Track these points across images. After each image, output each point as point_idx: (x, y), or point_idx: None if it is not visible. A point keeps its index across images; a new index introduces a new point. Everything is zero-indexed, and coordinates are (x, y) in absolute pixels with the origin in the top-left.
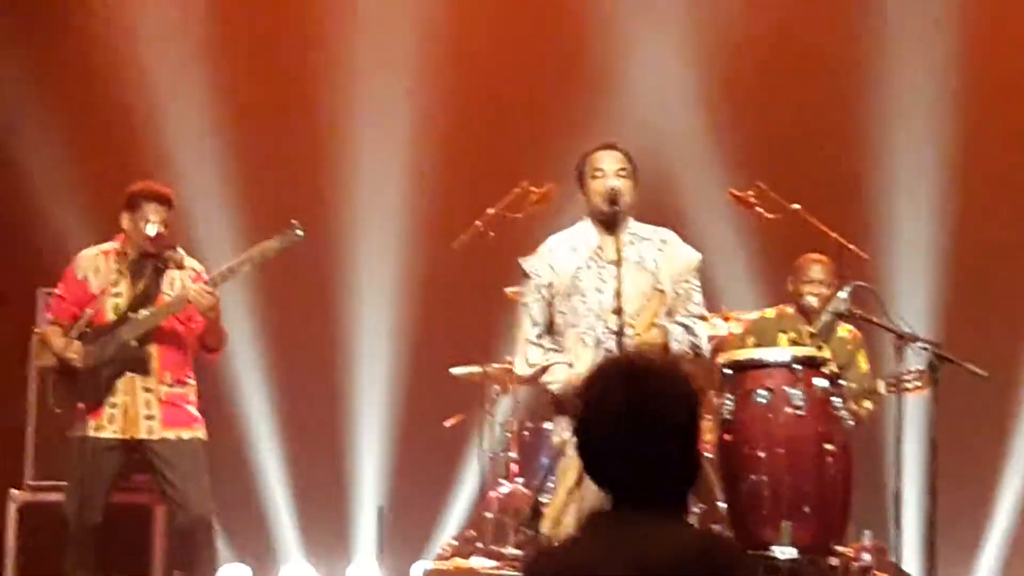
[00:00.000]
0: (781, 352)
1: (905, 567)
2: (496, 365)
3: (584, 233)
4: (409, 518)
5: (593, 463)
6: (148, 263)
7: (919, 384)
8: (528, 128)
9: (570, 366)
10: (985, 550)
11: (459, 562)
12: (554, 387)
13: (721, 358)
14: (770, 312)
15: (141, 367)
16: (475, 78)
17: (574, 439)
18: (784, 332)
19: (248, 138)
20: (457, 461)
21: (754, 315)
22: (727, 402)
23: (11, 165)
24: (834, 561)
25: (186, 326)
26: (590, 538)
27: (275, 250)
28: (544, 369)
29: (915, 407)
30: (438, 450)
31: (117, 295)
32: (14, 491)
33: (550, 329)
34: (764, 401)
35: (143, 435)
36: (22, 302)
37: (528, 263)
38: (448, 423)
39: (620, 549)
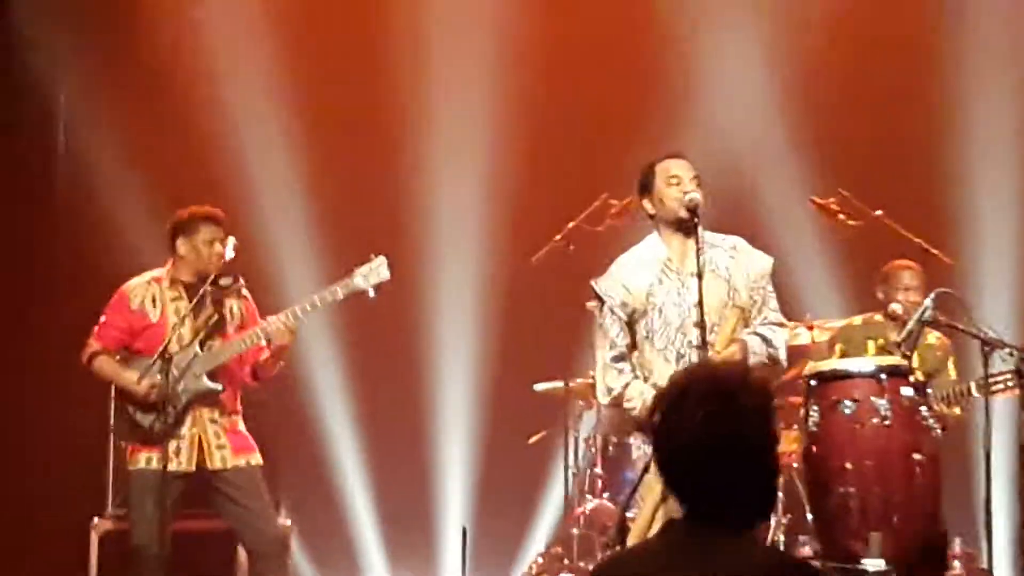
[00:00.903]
0: (866, 362)
1: (997, 574)
2: (579, 380)
3: (652, 247)
4: (495, 535)
5: (668, 474)
6: (206, 291)
7: (1011, 385)
8: (608, 140)
9: (653, 385)
10: None
11: None
12: (633, 410)
13: (805, 370)
14: (857, 319)
15: (211, 400)
16: (555, 90)
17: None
18: (872, 339)
19: (324, 159)
20: (542, 478)
21: (840, 323)
22: (812, 413)
23: (88, 186)
24: (924, 572)
25: (244, 357)
26: (660, 547)
27: (359, 288)
28: (623, 394)
29: (1001, 415)
30: (523, 467)
31: (178, 325)
32: (96, 519)
33: (632, 348)
34: (850, 412)
35: (217, 465)
36: None
37: (600, 284)
38: (532, 440)
39: (688, 561)
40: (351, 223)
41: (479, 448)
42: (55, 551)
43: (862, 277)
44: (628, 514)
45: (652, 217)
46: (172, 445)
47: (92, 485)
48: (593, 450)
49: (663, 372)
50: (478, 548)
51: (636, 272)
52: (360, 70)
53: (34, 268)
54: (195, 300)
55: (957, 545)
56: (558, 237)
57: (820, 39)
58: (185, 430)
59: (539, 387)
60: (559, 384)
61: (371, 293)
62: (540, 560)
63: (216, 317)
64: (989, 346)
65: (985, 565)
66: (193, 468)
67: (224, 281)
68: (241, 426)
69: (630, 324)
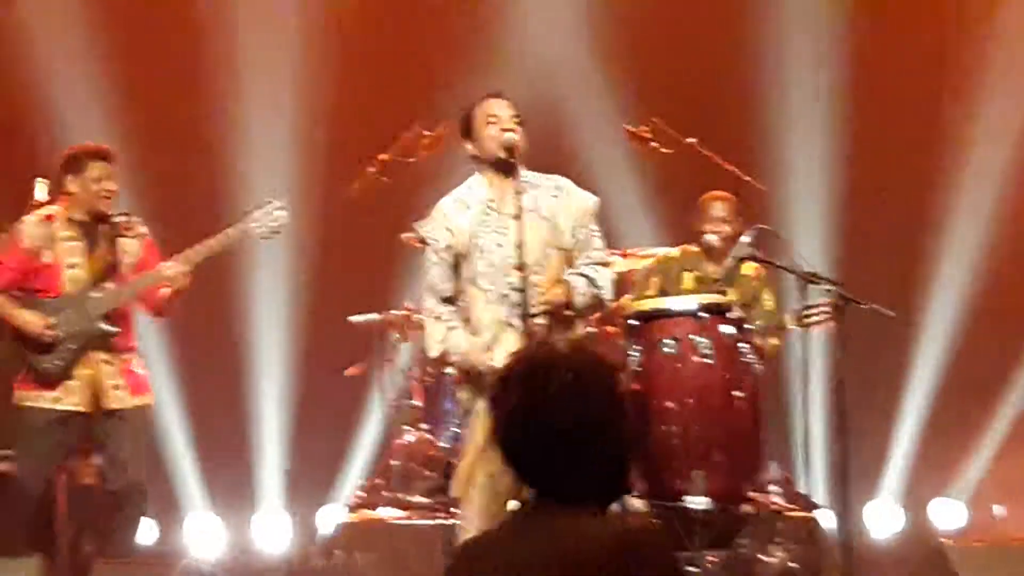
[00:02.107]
0: (686, 301)
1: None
2: (395, 312)
3: (475, 188)
4: (314, 468)
5: (512, 457)
6: (100, 229)
7: (826, 316)
8: (420, 70)
9: (472, 333)
10: (885, 482)
11: (367, 512)
12: (455, 359)
13: (625, 309)
14: (674, 251)
15: (105, 341)
16: (365, 17)
17: (493, 430)
18: (688, 271)
19: (130, 91)
20: (360, 411)
21: (658, 252)
22: (633, 353)
23: None
24: (748, 508)
25: (143, 295)
26: (510, 536)
27: (254, 232)
28: (448, 350)
29: (818, 348)
30: (340, 400)
31: (73, 265)
32: None
33: (458, 291)
34: (672, 351)
35: (114, 405)
36: None
37: (424, 228)
38: (348, 372)
39: (540, 547)
40: (169, 167)
41: (296, 381)
42: None
43: (676, 205)
44: (452, 460)
45: (474, 158)
46: (64, 384)
47: None
48: (411, 381)
49: (487, 312)
50: (299, 482)
51: (459, 214)
52: (170, 4)
53: None
54: (87, 239)
55: (775, 470)
56: (371, 169)
57: None
58: (79, 371)
59: (354, 319)
60: (375, 316)
61: (267, 236)
62: (360, 492)
63: (111, 257)
64: (806, 280)
65: (802, 489)
66: (89, 408)
67: (118, 219)
68: (135, 365)
69: (455, 267)
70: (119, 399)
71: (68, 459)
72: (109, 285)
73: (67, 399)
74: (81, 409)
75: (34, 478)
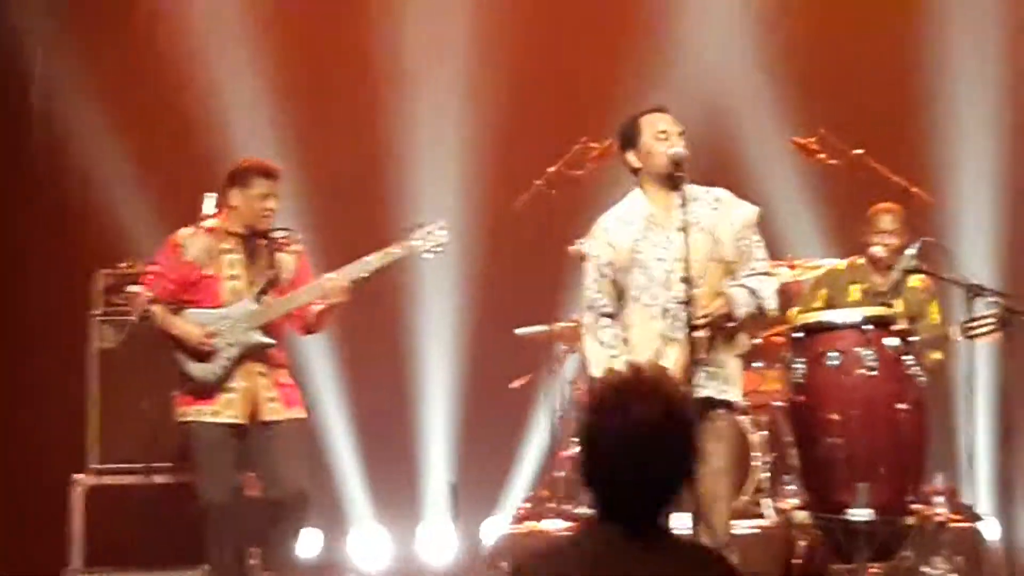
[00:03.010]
0: (850, 313)
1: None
2: (562, 324)
3: (635, 203)
4: (480, 481)
5: (588, 477)
6: (259, 243)
7: (991, 329)
8: (586, 84)
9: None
10: None
11: (532, 524)
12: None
13: (790, 320)
14: (841, 264)
15: (261, 354)
16: (532, 34)
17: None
18: (855, 283)
19: (302, 112)
20: (527, 422)
21: (824, 264)
22: (798, 365)
23: (65, 148)
24: (911, 520)
25: (297, 312)
26: (579, 549)
27: (416, 250)
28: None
29: (984, 360)
30: (507, 412)
31: (234, 277)
32: (78, 475)
33: (618, 304)
34: (836, 363)
35: (270, 417)
36: (79, 285)
37: (586, 245)
38: (515, 384)
39: (611, 565)
40: (333, 179)
41: (463, 395)
42: (35, 509)
43: (843, 216)
44: None
45: (635, 171)
46: (222, 398)
47: (68, 439)
48: (577, 393)
49: (648, 327)
50: (464, 494)
51: (620, 230)
52: (338, 24)
53: (12, 226)
54: (247, 252)
55: (939, 481)
56: (539, 182)
57: None
58: (236, 383)
59: (521, 331)
60: (542, 328)
61: (428, 256)
62: (526, 504)
63: (270, 271)
64: (972, 293)
65: (967, 500)
66: (246, 421)
67: (278, 234)
68: (287, 379)
69: (615, 283)
70: (274, 411)
71: (240, 471)
72: (267, 298)
73: (225, 412)
74: (239, 421)
75: (218, 492)
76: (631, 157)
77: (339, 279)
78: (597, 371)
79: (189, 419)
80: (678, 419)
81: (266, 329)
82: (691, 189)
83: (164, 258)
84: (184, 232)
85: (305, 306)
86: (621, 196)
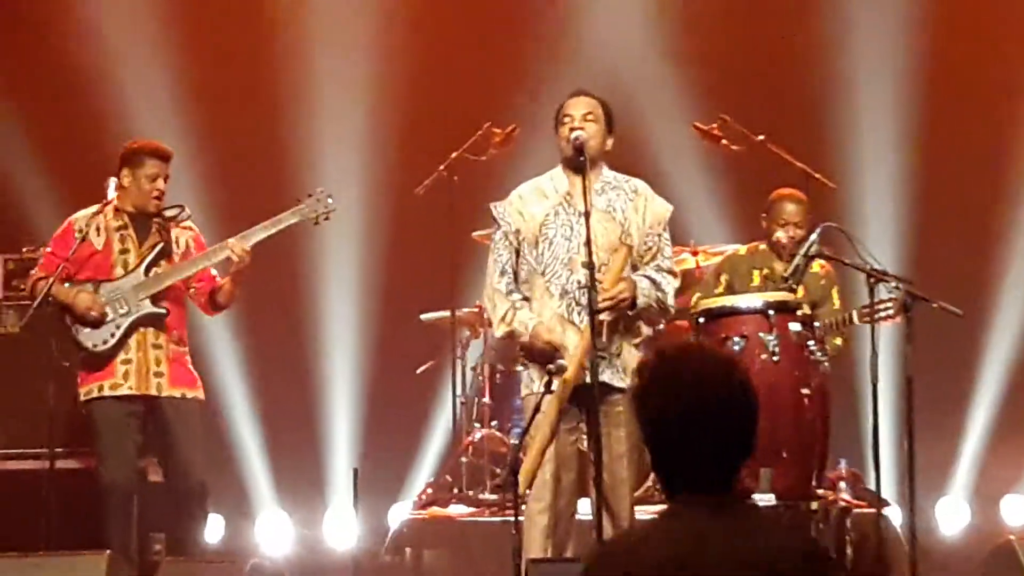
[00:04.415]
0: (753, 298)
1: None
2: (466, 310)
3: (556, 179)
4: (385, 465)
5: (666, 456)
6: (151, 221)
7: (891, 312)
8: (490, 69)
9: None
10: (955, 479)
11: (437, 510)
12: (522, 337)
13: (692, 304)
14: (742, 249)
15: (156, 323)
16: (435, 18)
17: (641, 434)
18: (757, 269)
19: (204, 89)
20: (430, 408)
21: (726, 249)
22: None
23: None
24: (814, 505)
25: (193, 284)
26: (666, 533)
27: (307, 216)
28: (514, 328)
29: (887, 346)
30: (411, 397)
31: (125, 251)
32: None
33: (519, 279)
34: (739, 349)
35: (152, 391)
36: None
37: (498, 208)
38: (420, 370)
39: (716, 542)
40: (233, 156)
41: (367, 380)
42: None
43: (745, 202)
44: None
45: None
46: (120, 370)
47: None
48: (481, 378)
49: (547, 304)
50: (368, 477)
51: (535, 202)
52: (239, 12)
53: None
54: (138, 229)
55: (843, 466)
56: (442, 167)
57: None
58: (131, 355)
59: (425, 317)
60: (445, 314)
61: (317, 223)
62: (429, 490)
63: (162, 244)
64: (874, 278)
65: (872, 487)
66: (140, 392)
67: (170, 212)
68: (188, 358)
69: (519, 253)
70: (157, 386)
71: (142, 455)
72: (158, 269)
73: (124, 385)
74: (136, 393)
75: (119, 474)
76: (557, 140)
77: (237, 241)
78: (501, 327)
79: (91, 396)
80: (739, 378)
81: (158, 299)
82: (612, 176)
83: (57, 239)
84: (78, 214)
85: (207, 276)
86: (523, 181)
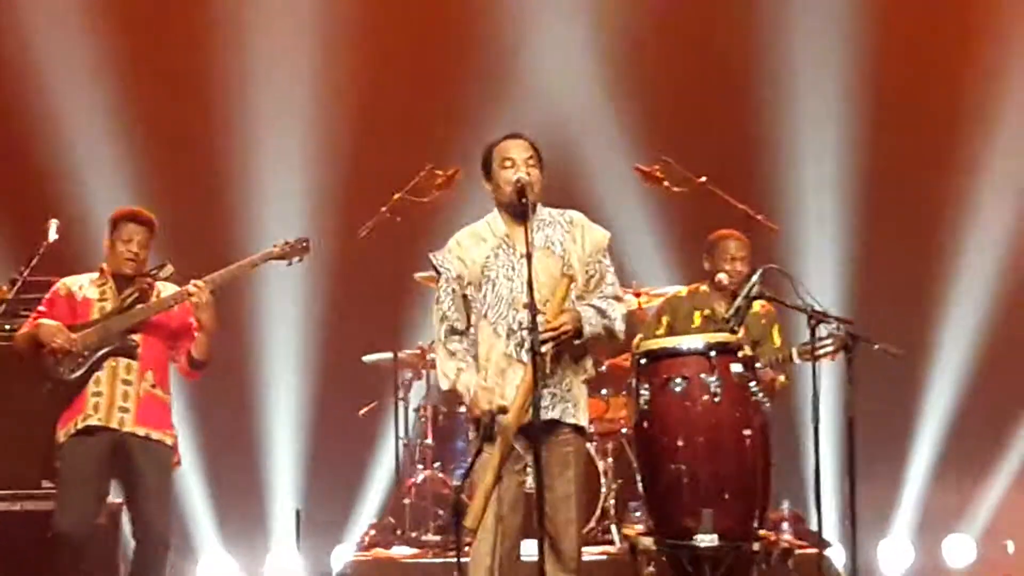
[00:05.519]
0: (695, 340)
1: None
2: (408, 351)
3: (493, 223)
4: (327, 506)
5: None
6: (132, 283)
7: (831, 350)
8: (432, 111)
9: (483, 369)
10: (897, 519)
11: (380, 551)
12: (465, 399)
13: (635, 345)
14: (683, 290)
15: (128, 355)
16: (376, 62)
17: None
18: (698, 309)
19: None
20: (372, 449)
21: (668, 290)
22: (643, 391)
23: None
24: (756, 546)
25: (176, 331)
26: None
27: (279, 259)
28: (456, 387)
29: (828, 386)
30: (353, 439)
31: (103, 300)
32: None
33: (468, 322)
34: (680, 389)
35: (114, 425)
36: None
37: (438, 257)
38: (362, 412)
39: None
40: (175, 198)
41: (309, 422)
42: None
43: (687, 243)
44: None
45: (494, 198)
46: (91, 402)
47: None
48: (424, 420)
49: (494, 346)
50: (311, 518)
51: (474, 246)
52: (185, 42)
53: None
54: (119, 287)
55: (785, 507)
56: (384, 209)
57: (639, 8)
58: (103, 387)
59: (368, 358)
60: (388, 355)
61: (291, 262)
62: (372, 531)
63: (138, 293)
64: (815, 319)
65: (815, 528)
66: (106, 425)
67: (153, 270)
68: (166, 408)
69: (466, 298)
70: (119, 421)
71: (102, 502)
72: (133, 309)
73: (94, 416)
74: (103, 424)
75: (71, 522)
76: (487, 186)
77: (199, 283)
78: (446, 382)
79: (62, 440)
80: None
81: (131, 332)
82: (546, 213)
83: (45, 301)
84: (66, 279)
85: (186, 329)
86: (467, 223)
